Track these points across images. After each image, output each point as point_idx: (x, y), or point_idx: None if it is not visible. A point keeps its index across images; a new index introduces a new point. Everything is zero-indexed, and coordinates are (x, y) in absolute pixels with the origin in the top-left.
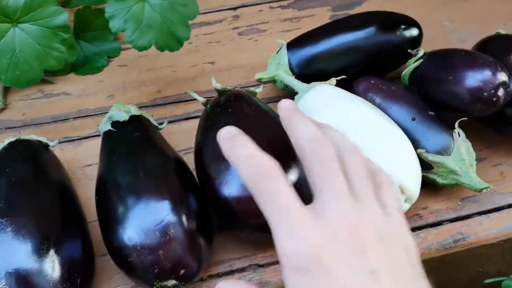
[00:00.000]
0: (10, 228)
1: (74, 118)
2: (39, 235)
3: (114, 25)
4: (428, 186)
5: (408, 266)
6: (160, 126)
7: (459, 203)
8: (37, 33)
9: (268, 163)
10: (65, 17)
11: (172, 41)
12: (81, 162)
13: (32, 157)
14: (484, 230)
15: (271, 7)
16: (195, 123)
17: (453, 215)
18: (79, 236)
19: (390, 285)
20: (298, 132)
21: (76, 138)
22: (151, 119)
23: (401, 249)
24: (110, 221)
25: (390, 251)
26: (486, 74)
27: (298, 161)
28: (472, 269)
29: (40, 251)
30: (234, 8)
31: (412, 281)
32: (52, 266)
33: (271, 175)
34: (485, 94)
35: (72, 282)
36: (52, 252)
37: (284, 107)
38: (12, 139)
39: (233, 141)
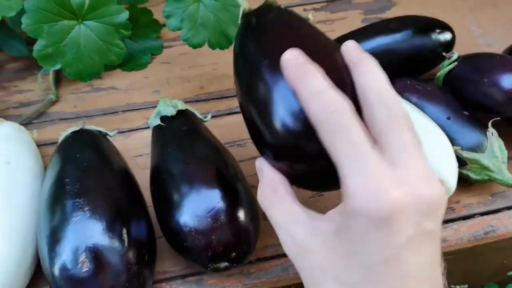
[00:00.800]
0: (87, 208)
1: (123, 111)
2: (112, 215)
3: (171, 23)
4: (460, 182)
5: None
6: (204, 119)
7: (490, 198)
8: (100, 29)
9: (340, 100)
10: (126, 15)
11: (223, 39)
12: (132, 152)
13: (96, 145)
14: None
15: (304, 9)
16: (237, 117)
17: (484, 209)
18: (143, 217)
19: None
20: (368, 81)
21: (126, 130)
22: (196, 112)
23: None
24: (166, 208)
25: (440, 214)
26: None
27: None
28: (497, 261)
29: (114, 229)
30: None
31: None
32: (124, 243)
33: (343, 111)
34: None
35: (141, 258)
36: (124, 230)
37: (350, 47)
38: (76, 128)
39: (300, 69)
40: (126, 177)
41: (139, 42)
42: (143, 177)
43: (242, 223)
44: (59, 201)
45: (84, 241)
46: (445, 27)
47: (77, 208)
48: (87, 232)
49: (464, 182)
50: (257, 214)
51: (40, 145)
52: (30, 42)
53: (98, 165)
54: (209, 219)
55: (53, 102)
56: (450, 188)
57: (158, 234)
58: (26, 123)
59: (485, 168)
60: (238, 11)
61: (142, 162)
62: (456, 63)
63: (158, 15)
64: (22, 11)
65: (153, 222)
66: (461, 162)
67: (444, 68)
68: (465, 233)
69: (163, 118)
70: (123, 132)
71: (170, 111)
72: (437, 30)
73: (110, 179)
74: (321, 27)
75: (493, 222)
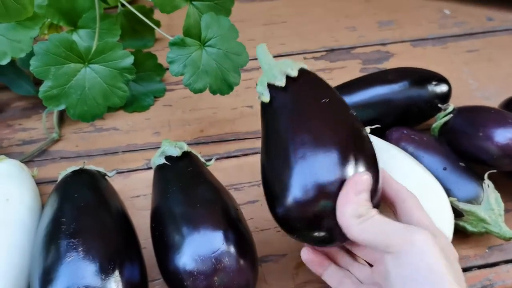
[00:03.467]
0: (81, 248)
1: (123, 151)
2: (106, 256)
3: (174, 69)
4: (457, 233)
5: None
6: (208, 163)
7: (487, 250)
8: (105, 73)
9: None
10: (131, 60)
11: (224, 86)
12: (130, 193)
13: (95, 185)
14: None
15: (305, 58)
16: (235, 161)
17: (481, 262)
18: (137, 260)
19: None
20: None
21: (126, 170)
22: (199, 155)
23: None
24: (167, 247)
25: None
26: None
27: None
28: None
29: (107, 271)
30: None
31: None
32: (116, 286)
33: None
34: None
35: None
36: (117, 272)
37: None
38: (76, 168)
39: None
40: (122, 218)
41: (143, 85)
42: (139, 219)
43: (244, 268)
44: (54, 240)
45: (76, 282)
46: (441, 79)
47: (71, 248)
48: (79, 273)
49: (461, 234)
50: (257, 260)
51: (40, 183)
52: (37, 82)
53: (95, 206)
54: (213, 260)
55: (55, 141)
56: None
57: (151, 277)
58: (28, 161)
59: (482, 220)
60: (239, 59)
61: (139, 203)
62: (451, 115)
63: (162, 59)
64: (31, 53)
65: (147, 264)
66: (458, 214)
67: (440, 120)
68: None
69: (168, 159)
70: (122, 172)
71: (176, 152)
72: (434, 82)
73: (106, 220)
74: (320, 76)
75: (490, 276)
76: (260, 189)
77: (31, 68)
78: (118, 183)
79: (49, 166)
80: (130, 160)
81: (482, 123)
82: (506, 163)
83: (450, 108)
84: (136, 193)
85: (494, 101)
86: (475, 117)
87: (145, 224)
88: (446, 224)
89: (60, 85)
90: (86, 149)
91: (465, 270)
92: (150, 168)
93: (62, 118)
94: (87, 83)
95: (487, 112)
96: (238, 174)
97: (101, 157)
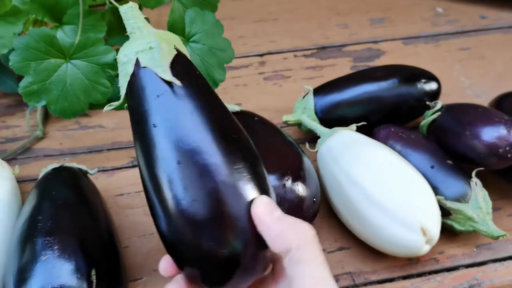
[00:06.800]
0: (57, 246)
1: (108, 149)
2: (83, 255)
3: None
4: (445, 232)
5: None
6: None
7: (475, 249)
8: (87, 68)
9: None
10: (113, 55)
11: (209, 82)
12: (114, 191)
13: (75, 183)
14: (499, 277)
15: (295, 56)
16: None
17: (468, 261)
18: (115, 259)
19: None
20: None
21: (110, 168)
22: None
23: None
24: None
25: None
26: (502, 131)
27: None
28: None
29: (83, 270)
30: (261, 55)
31: None
32: (92, 285)
33: None
34: (500, 150)
35: None
36: (93, 272)
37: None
38: (56, 165)
39: None
40: (102, 217)
41: None
42: (122, 217)
43: None
44: (30, 238)
45: (50, 282)
46: (430, 77)
47: (47, 247)
48: (54, 272)
49: (448, 233)
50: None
51: (22, 181)
52: (21, 79)
53: (74, 203)
54: None
55: (39, 139)
56: (433, 238)
57: (133, 277)
58: (11, 159)
59: (470, 219)
60: (224, 55)
61: (123, 202)
62: (439, 112)
63: None
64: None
65: (129, 263)
66: (445, 212)
67: (428, 117)
68: (449, 285)
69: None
70: (107, 170)
71: None
72: (423, 80)
73: (84, 218)
74: (310, 73)
75: (478, 275)
76: None
77: (10, 63)
78: (102, 181)
79: (32, 164)
80: (114, 158)
81: (469, 122)
82: (493, 161)
83: (438, 106)
84: (120, 191)
85: (486, 99)
86: (463, 115)
87: (128, 223)
88: (434, 222)
89: (40, 80)
90: (70, 147)
91: (452, 269)
92: (135, 166)
93: (47, 115)
94: (68, 79)
95: (474, 110)
96: None
97: (85, 155)
